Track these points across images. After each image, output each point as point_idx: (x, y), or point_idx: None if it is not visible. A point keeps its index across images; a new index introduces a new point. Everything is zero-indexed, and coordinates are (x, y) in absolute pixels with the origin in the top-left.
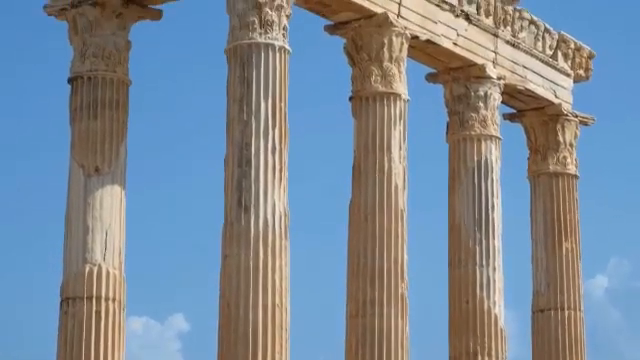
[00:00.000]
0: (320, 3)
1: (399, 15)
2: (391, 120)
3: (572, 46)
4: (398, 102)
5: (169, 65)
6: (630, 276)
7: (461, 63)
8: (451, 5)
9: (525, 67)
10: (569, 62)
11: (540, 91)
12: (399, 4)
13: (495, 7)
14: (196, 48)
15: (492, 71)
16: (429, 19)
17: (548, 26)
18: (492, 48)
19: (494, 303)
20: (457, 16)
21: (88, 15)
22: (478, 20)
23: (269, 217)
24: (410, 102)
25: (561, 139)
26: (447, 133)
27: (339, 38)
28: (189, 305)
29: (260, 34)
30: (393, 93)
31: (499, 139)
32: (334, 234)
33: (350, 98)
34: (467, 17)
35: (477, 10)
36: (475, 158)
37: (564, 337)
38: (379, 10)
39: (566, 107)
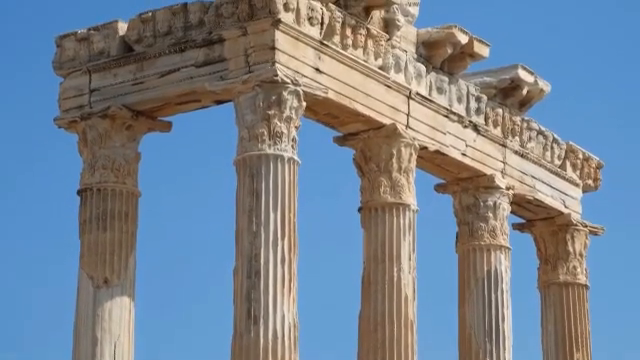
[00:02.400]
0: (329, 115)
1: (408, 126)
2: (400, 231)
3: (580, 156)
4: (407, 213)
5: (178, 176)
6: None
7: (470, 173)
8: (459, 116)
9: (534, 177)
10: (578, 172)
11: (549, 201)
12: (407, 115)
13: (503, 117)
14: (205, 159)
15: (501, 181)
16: (438, 130)
17: (556, 136)
18: (501, 158)
19: None
20: (465, 127)
21: (98, 127)
22: (486, 130)
23: (278, 328)
24: (419, 212)
25: (571, 249)
26: (456, 243)
27: (348, 149)
28: None
29: (269, 145)
30: (402, 204)
31: (509, 249)
32: (344, 345)
33: (359, 209)
34: (475, 128)
35: (485, 121)
36: (485, 268)
37: None
38: (387, 121)
39: (575, 217)
